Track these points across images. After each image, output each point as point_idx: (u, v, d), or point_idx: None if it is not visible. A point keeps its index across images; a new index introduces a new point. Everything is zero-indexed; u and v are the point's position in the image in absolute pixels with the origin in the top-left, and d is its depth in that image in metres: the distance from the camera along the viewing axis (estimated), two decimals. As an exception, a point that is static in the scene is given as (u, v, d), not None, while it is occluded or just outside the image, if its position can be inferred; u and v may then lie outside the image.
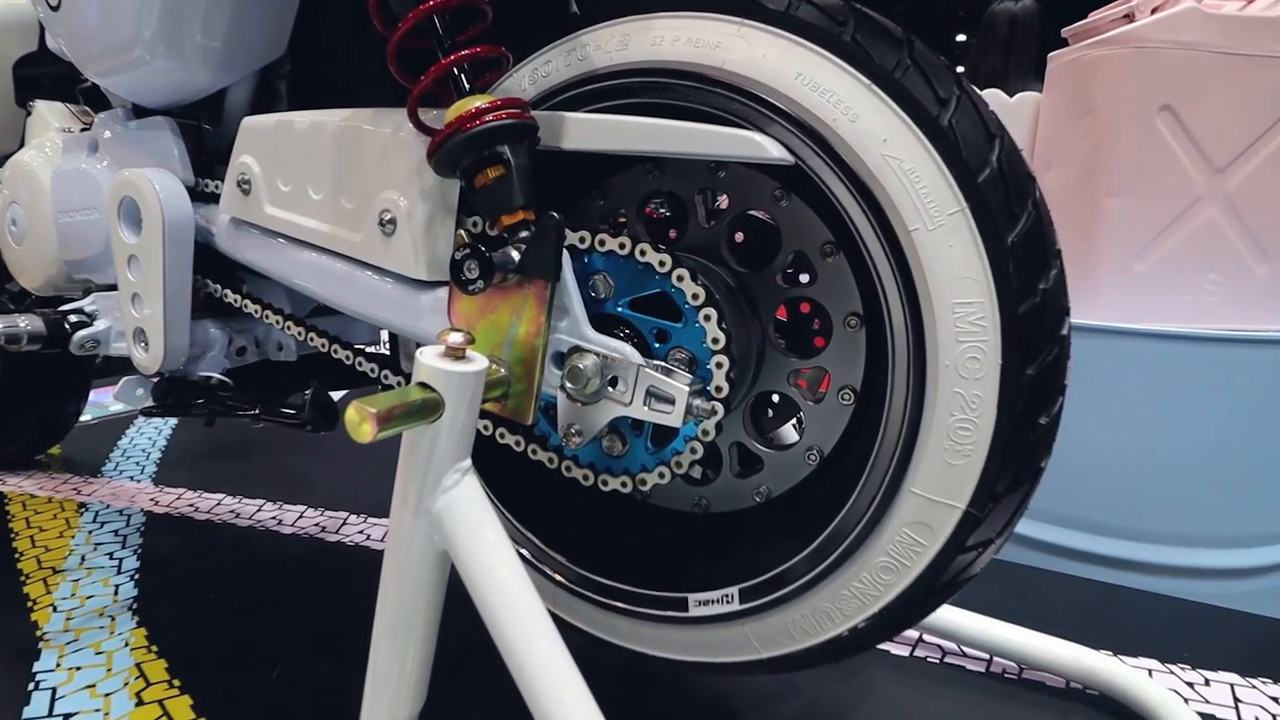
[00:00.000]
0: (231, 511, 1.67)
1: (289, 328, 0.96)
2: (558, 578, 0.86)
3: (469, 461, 0.65)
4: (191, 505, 1.70)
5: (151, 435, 2.24)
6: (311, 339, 0.94)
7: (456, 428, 0.62)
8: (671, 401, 0.68)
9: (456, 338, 0.61)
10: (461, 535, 0.62)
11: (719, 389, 0.69)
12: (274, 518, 1.64)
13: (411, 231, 0.77)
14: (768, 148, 0.65)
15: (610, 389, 0.71)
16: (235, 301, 1.02)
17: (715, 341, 0.70)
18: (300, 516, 1.65)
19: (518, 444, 0.80)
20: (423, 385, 0.60)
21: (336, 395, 1.02)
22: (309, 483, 1.86)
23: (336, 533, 1.57)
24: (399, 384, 0.90)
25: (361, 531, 1.59)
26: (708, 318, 0.70)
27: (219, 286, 1.04)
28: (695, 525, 0.90)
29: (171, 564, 1.43)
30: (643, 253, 0.71)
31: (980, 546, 0.65)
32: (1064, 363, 0.62)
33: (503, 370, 0.73)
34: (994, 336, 0.60)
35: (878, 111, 0.62)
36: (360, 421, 0.54)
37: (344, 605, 1.27)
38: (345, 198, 0.83)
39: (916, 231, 0.62)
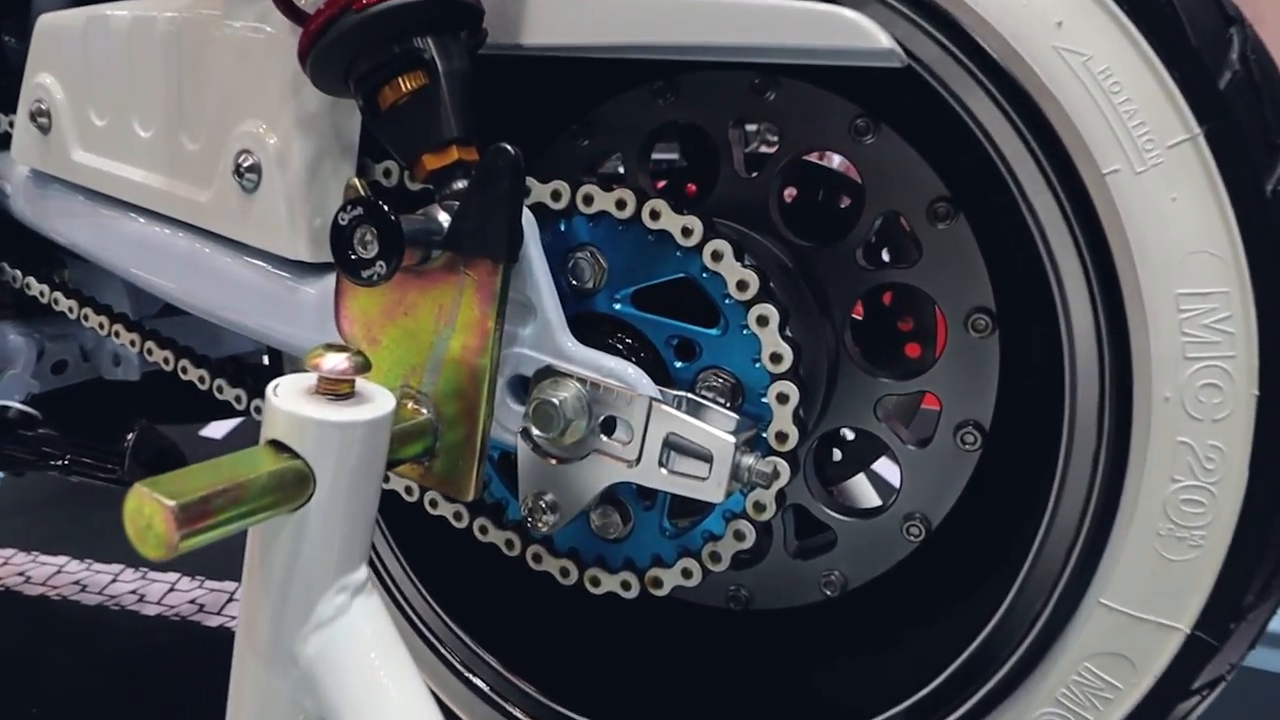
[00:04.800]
0: (76, 583, 1.59)
1: (118, 334, 0.90)
2: None
3: (365, 571, 0.53)
4: (20, 574, 1.63)
5: (-31, 475, 2.19)
6: (150, 351, 0.88)
7: (335, 518, 0.49)
8: (706, 459, 0.59)
9: (337, 361, 0.48)
10: (349, 697, 0.50)
11: (783, 437, 0.61)
12: (134, 591, 1.56)
13: (285, 185, 0.70)
14: (873, 33, 0.55)
15: (604, 437, 0.62)
16: (43, 295, 0.95)
17: (776, 359, 0.60)
18: (171, 589, 1.57)
19: (458, 517, 0.73)
20: (276, 445, 0.46)
21: (224, 427, 0.92)
22: (186, 540, 1.80)
23: (219, 613, 1.49)
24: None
25: (254, 611, 1.50)
26: (763, 320, 0.61)
27: (20, 273, 0.98)
28: (730, 629, 0.84)
29: (-14, 660, 1.37)
30: (655, 215, 0.62)
31: (1208, 687, 0.59)
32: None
33: (424, 412, 0.63)
34: (1247, 351, 0.54)
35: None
36: (146, 522, 0.37)
37: None
38: (186, 134, 0.77)
39: (1115, 175, 0.54)
